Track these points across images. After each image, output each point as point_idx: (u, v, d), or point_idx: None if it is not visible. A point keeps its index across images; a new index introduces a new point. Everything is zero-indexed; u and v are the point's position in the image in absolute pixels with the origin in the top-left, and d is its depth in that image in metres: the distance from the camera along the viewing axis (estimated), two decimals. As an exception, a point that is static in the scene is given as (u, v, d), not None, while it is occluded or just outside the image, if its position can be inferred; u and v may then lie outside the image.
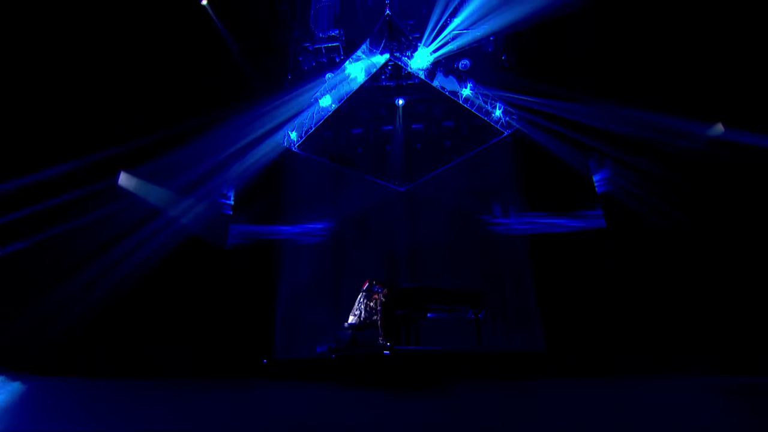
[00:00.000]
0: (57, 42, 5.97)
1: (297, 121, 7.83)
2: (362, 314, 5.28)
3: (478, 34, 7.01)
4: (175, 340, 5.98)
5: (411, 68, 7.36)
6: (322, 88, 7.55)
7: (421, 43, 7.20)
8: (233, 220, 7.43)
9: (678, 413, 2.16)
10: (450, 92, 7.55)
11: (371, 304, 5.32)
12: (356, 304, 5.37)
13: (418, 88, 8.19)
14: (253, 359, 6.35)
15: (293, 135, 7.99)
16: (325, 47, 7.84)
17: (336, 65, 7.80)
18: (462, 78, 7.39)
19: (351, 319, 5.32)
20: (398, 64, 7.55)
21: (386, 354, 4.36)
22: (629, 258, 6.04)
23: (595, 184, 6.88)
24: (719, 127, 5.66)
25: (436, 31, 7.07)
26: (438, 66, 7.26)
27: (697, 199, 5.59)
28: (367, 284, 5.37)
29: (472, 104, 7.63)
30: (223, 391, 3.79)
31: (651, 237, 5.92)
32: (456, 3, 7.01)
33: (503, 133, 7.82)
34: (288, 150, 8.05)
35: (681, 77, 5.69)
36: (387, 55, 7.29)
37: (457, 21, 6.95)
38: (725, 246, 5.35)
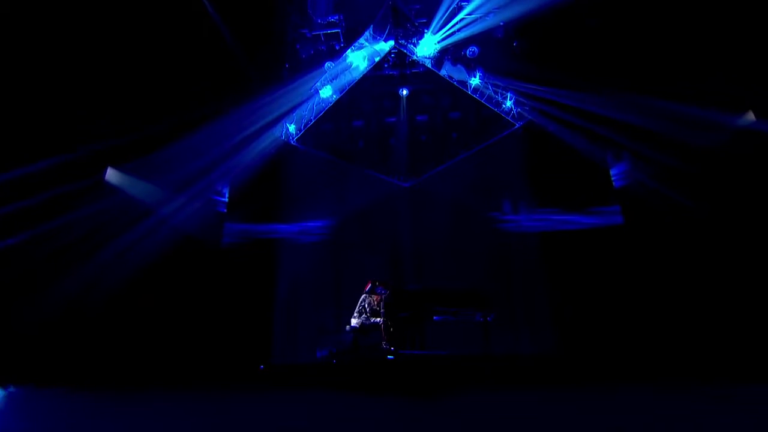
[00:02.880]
0: (42, 33, 5.95)
1: (295, 113, 7.79)
2: (365, 317, 5.27)
3: (489, 19, 6.88)
4: (167, 345, 5.98)
5: (416, 56, 7.28)
6: (321, 78, 7.49)
7: (427, 29, 7.10)
8: (228, 219, 7.43)
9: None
10: (458, 81, 7.47)
11: (374, 306, 5.30)
12: (358, 306, 5.36)
13: (423, 77, 8.10)
14: (249, 365, 6.35)
15: (292, 128, 7.95)
16: (324, 34, 7.75)
17: (336, 53, 7.72)
18: (470, 66, 7.30)
19: (353, 321, 5.31)
20: (402, 52, 7.47)
21: (390, 359, 4.35)
22: (648, 257, 5.97)
23: (612, 179, 6.80)
24: (750, 116, 5.52)
25: (444, 16, 6.96)
26: (445, 54, 7.17)
27: (723, 195, 5.49)
28: (369, 285, 5.35)
29: (481, 94, 7.55)
30: (217, 399, 3.79)
31: (672, 235, 5.84)
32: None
33: (514, 124, 7.75)
34: (286, 144, 8.02)
35: (706, 63, 5.55)
36: (391, 42, 7.21)
37: (469, 8, 6.82)
38: (753, 245, 5.26)
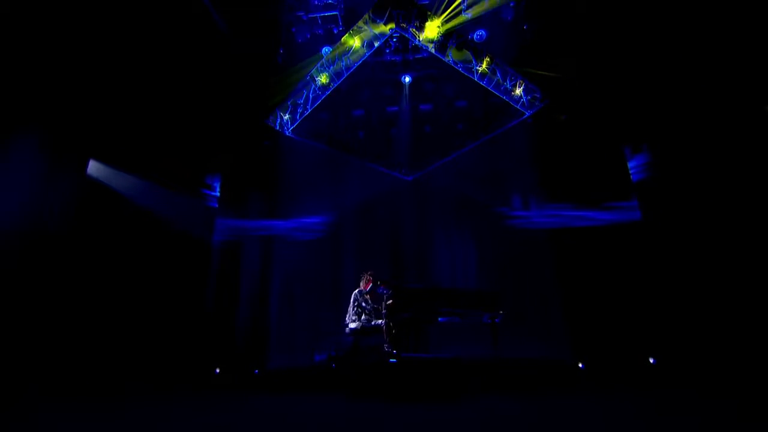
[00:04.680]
0: (22, 18, 5.83)
1: (291, 102, 7.71)
2: (365, 318, 5.20)
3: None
4: (153, 347, 5.94)
5: (419, 40, 7.18)
6: (318, 65, 7.40)
7: (431, 11, 7.00)
8: (220, 214, 7.37)
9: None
10: (464, 68, 7.36)
11: (374, 306, 5.24)
12: (353, 306, 5.26)
13: (427, 63, 8.00)
14: (242, 369, 6.32)
15: (287, 117, 7.87)
16: (321, 17, 7.66)
17: (334, 38, 7.64)
18: (477, 51, 7.20)
19: (352, 323, 5.25)
20: (404, 36, 7.37)
21: (392, 362, 4.30)
22: (668, 256, 5.88)
23: (630, 172, 6.69)
24: None
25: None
26: (450, 38, 7.07)
27: (754, 188, 5.36)
28: (371, 284, 5.28)
29: (489, 81, 7.44)
30: (207, 406, 3.75)
31: (694, 232, 5.73)
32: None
33: (524, 113, 7.64)
34: (281, 134, 7.93)
35: (742, 40, 5.31)
36: (392, 26, 7.10)
37: None
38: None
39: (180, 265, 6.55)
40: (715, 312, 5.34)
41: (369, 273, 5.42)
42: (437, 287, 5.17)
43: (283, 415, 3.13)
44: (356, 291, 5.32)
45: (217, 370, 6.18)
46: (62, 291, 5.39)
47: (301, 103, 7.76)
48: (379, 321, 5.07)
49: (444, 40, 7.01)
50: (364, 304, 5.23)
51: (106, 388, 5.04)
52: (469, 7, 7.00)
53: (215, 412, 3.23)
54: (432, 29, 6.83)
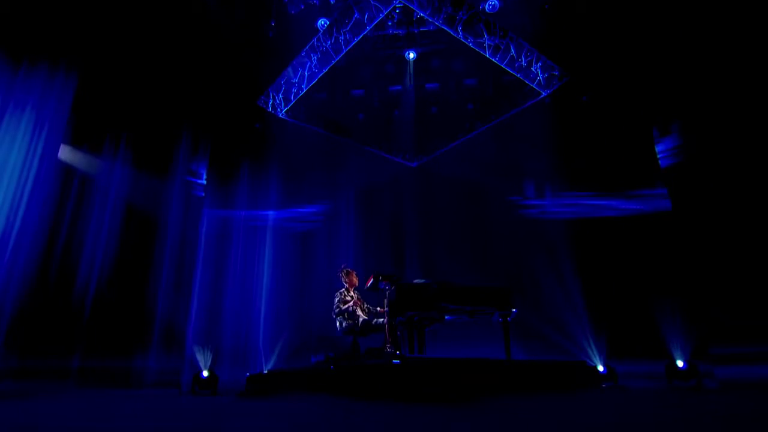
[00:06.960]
0: None
1: (284, 80, 7.54)
2: (345, 324, 5.08)
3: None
4: (139, 348, 5.92)
5: (425, 12, 6.95)
6: (314, 38, 7.20)
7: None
8: (206, 204, 7.26)
9: None
10: (474, 42, 7.14)
11: (351, 303, 5.12)
12: (344, 305, 5.12)
13: (433, 37, 7.74)
14: (234, 372, 6.28)
15: (279, 97, 7.71)
16: (316, -15, 7.42)
17: (330, 9, 7.42)
18: (489, 24, 6.97)
19: (344, 322, 5.14)
20: (408, 7, 7.15)
21: (395, 364, 4.22)
22: (701, 249, 5.72)
23: (658, 156, 6.51)
24: None
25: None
26: (459, 8, 6.85)
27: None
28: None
29: (502, 57, 7.21)
30: (198, 410, 3.67)
31: (734, 225, 5.54)
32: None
33: (540, 93, 7.44)
34: (273, 116, 7.77)
35: None
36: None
37: None
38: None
39: (162, 259, 6.47)
40: (753, 314, 5.20)
41: (344, 267, 5.32)
42: (444, 283, 5.05)
43: (276, 423, 3.04)
44: (338, 293, 5.22)
45: (204, 374, 6.14)
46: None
47: (295, 82, 7.58)
48: (380, 320, 4.97)
49: (452, 12, 6.78)
50: (343, 306, 5.09)
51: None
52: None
53: (200, 418, 3.13)
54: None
